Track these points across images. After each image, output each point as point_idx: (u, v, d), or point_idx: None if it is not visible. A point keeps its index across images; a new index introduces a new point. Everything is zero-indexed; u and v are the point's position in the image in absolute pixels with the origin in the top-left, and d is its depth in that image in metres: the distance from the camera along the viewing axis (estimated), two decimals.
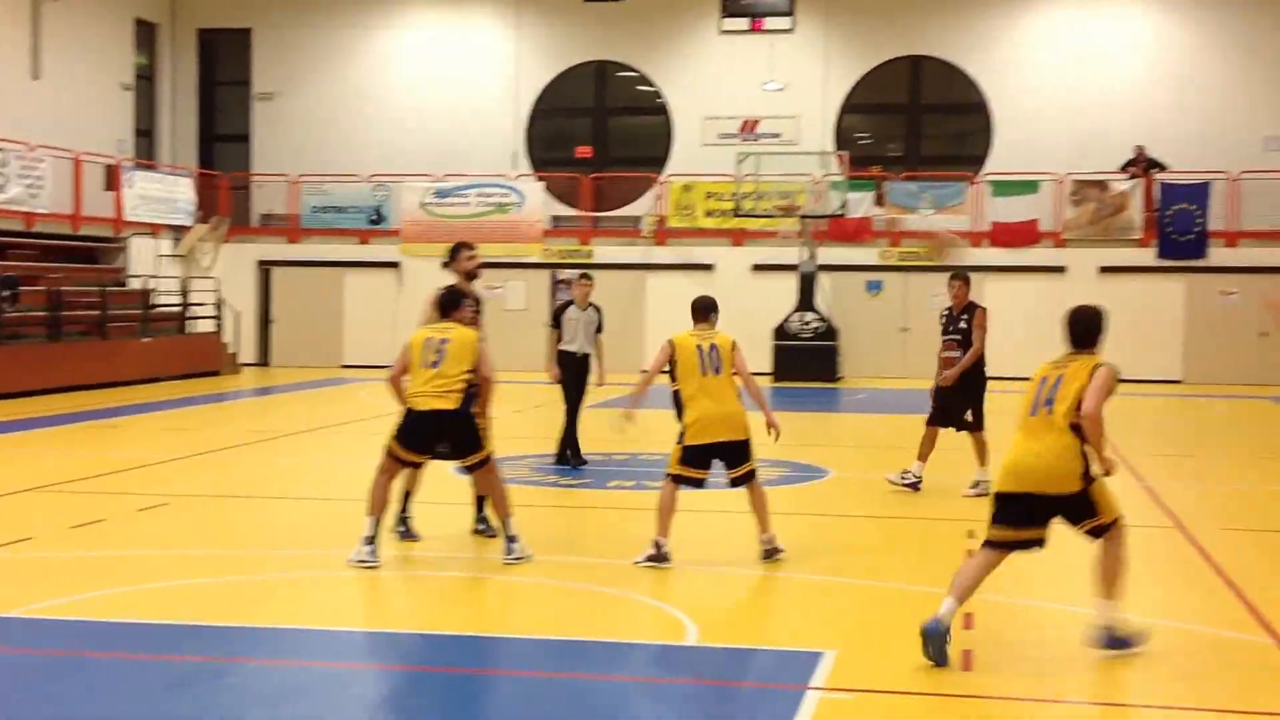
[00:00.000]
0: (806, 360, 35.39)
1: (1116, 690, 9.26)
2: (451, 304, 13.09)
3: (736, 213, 37.61)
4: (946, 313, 17.40)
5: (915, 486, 17.11)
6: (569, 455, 19.10)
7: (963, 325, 17.12)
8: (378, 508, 12.34)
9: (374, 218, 40.33)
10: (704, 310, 13.51)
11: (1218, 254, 36.68)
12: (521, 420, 27.11)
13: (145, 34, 42.43)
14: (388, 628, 10.99)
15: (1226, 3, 39.69)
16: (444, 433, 12.55)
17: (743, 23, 41.71)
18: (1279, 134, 38.96)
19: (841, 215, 37.03)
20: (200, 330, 37.57)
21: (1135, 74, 39.86)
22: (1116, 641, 9.63)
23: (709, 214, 38.96)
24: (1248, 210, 36.99)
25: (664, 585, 11.89)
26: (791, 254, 36.48)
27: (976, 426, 17.22)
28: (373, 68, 43.15)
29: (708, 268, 38.22)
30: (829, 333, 35.98)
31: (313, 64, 43.26)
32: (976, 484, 16.91)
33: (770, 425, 13.16)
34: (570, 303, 19.30)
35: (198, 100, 44.15)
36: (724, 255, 38.28)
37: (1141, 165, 37.59)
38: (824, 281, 36.60)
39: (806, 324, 35.68)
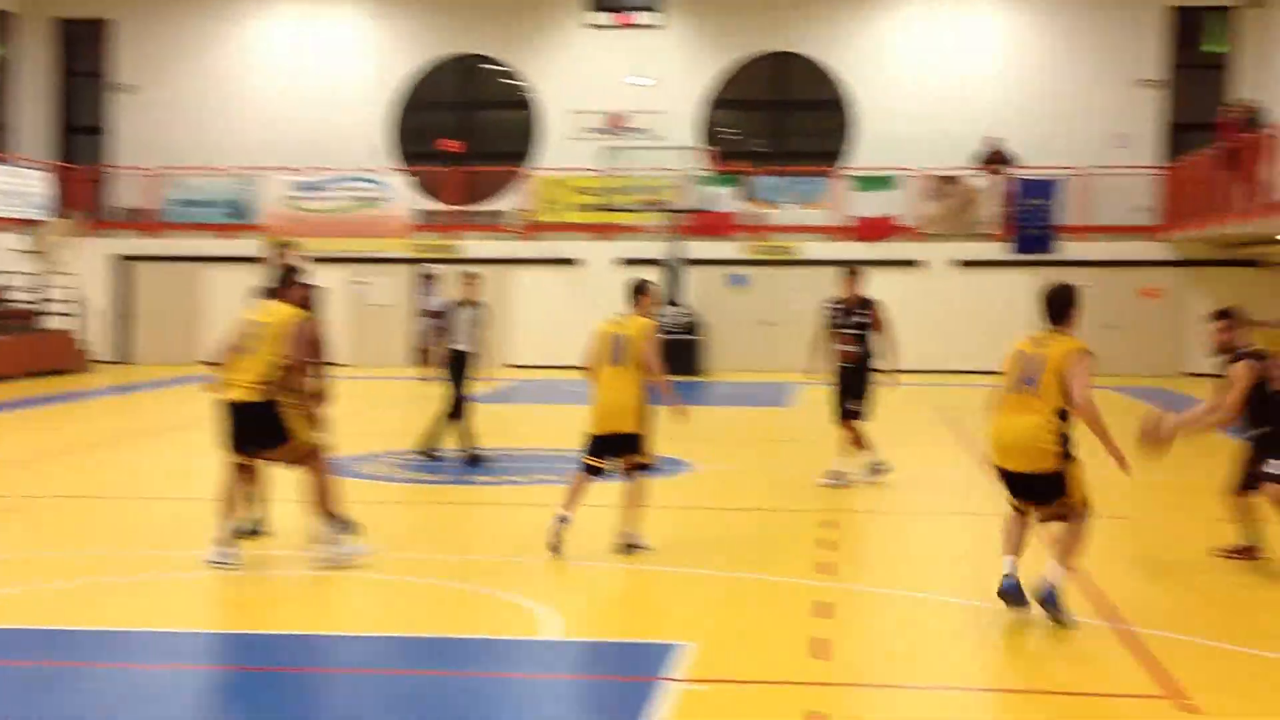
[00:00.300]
0: (671, 354, 35.04)
1: (965, 676, 9.41)
2: (282, 281, 12.62)
3: (603, 207, 37.54)
4: (837, 306, 17.41)
5: (880, 471, 17.38)
6: (464, 452, 18.83)
7: (859, 319, 17.21)
8: (225, 508, 12.10)
9: (236, 212, 39.82)
10: (633, 292, 13.51)
11: (1068, 248, 37.24)
12: (386, 415, 26.96)
13: (1, 24, 41.66)
14: (243, 628, 10.82)
15: (1078, 3, 40.28)
16: (244, 425, 11.99)
17: (609, 17, 41.65)
18: (1126, 131, 39.62)
19: (706, 210, 37.06)
20: (52, 327, 36.78)
21: (990, 72, 40.37)
22: (1053, 602, 10.11)
23: (575, 208, 38.85)
24: (1096, 205, 37.55)
25: (527, 581, 11.87)
26: (657, 248, 36.48)
27: (859, 415, 17.31)
28: (235, 59, 42.60)
29: (574, 262, 38.17)
30: (693, 326, 36.01)
31: (174, 55, 42.57)
32: (839, 474, 17.16)
33: (677, 413, 13.36)
34: (459, 301, 19.16)
35: (55, 91, 43.43)
36: (590, 249, 38.23)
37: (994, 159, 38.00)
38: (689, 275, 36.62)
39: (672, 317, 35.69)
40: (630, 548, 12.78)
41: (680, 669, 9.16)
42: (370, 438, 22.30)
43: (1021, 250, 37.20)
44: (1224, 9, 39.79)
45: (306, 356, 12.15)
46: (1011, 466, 10.34)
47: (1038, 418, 10.18)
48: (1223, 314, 12.59)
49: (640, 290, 13.43)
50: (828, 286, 36.12)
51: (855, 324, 17.20)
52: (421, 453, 19.05)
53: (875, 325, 17.22)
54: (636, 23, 41.49)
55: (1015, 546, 10.47)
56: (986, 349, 37.64)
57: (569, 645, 10.09)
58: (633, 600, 11.71)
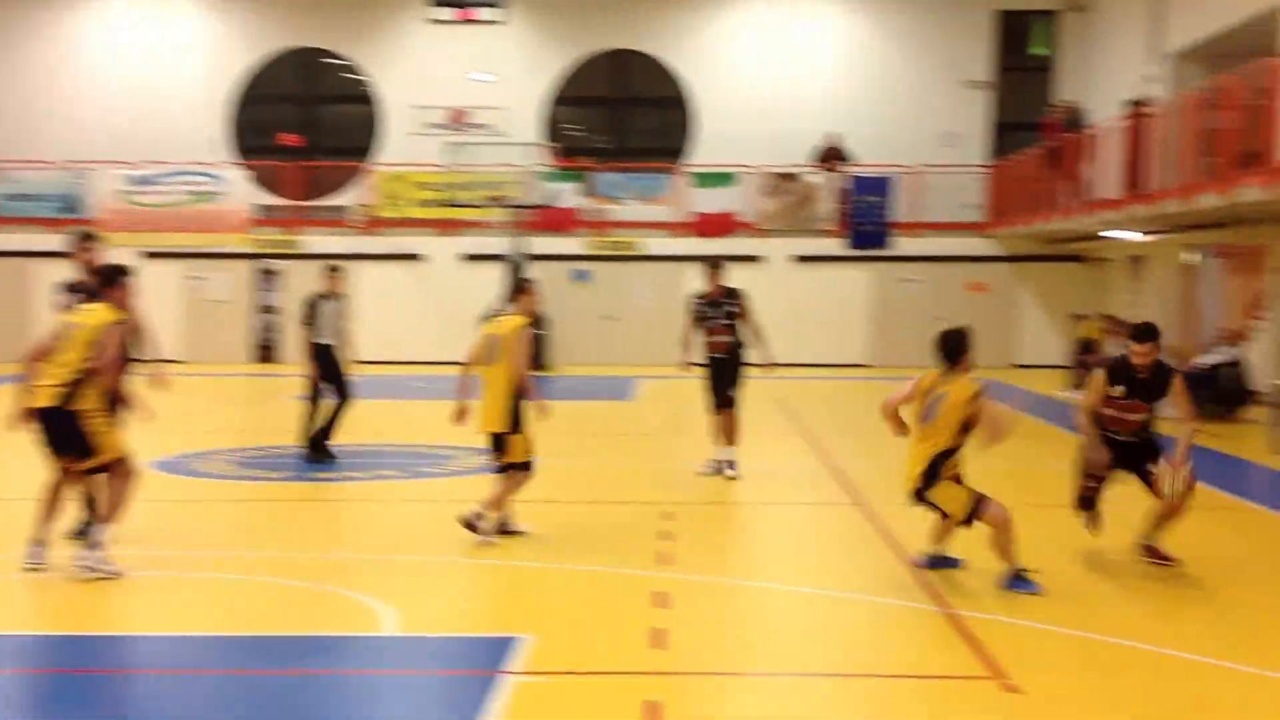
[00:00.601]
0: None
1: (799, 661, 9.52)
2: (106, 280, 11.96)
3: (445, 203, 37.34)
4: (704, 300, 17.51)
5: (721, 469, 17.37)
6: (319, 447, 18.58)
7: (728, 309, 17.33)
8: (44, 510, 11.71)
9: (67, 206, 39.03)
10: (513, 291, 13.58)
11: (900, 244, 37.75)
12: (225, 412, 26.66)
13: None
14: (73, 630, 10.52)
15: (911, 5, 40.80)
16: (50, 433, 11.47)
17: (451, 12, 41.45)
18: (956, 130, 40.21)
19: (548, 205, 36.97)
20: None
21: (827, 71, 40.84)
22: (1022, 581, 11.15)
23: (418, 204, 38.61)
24: (927, 202, 38.05)
25: (366, 577, 11.79)
26: (500, 244, 36.33)
27: (734, 404, 17.44)
28: (66, 50, 41.69)
29: (418, 258, 37.90)
30: (537, 321, 35.85)
31: (2, 48, 41.76)
32: (720, 464, 17.33)
33: (539, 409, 13.41)
34: (322, 295, 18.80)
35: None
36: (432, 245, 38.00)
37: (831, 156, 38.34)
38: (532, 271, 36.49)
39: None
40: (472, 525, 12.88)
41: (518, 662, 9.16)
42: (208, 435, 22.05)
43: (857, 246, 37.66)
44: (1048, 12, 40.52)
45: (116, 361, 11.57)
46: (907, 488, 11.55)
47: (925, 448, 11.28)
48: (1148, 333, 12.07)
49: (519, 289, 13.46)
50: (670, 281, 36.78)
51: (725, 314, 17.34)
52: (315, 450, 18.60)
53: (742, 315, 17.35)
54: (478, 18, 41.32)
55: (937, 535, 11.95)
56: (825, 343, 38.43)
57: (408, 641, 10.00)
58: (472, 594, 11.63)
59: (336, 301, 18.79)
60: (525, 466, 13.21)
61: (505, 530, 13.13)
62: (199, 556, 12.54)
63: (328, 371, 18.59)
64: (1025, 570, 11.13)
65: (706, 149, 40.47)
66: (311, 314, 18.60)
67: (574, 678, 8.92)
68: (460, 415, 13.30)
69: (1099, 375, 12.22)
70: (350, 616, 10.56)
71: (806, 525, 15.12)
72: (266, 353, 38.30)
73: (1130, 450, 12.14)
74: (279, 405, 28.10)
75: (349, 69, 41.91)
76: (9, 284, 37.67)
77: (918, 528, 13.78)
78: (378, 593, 11.05)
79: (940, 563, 11.82)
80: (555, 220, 37.65)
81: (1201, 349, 24.88)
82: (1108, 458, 12.14)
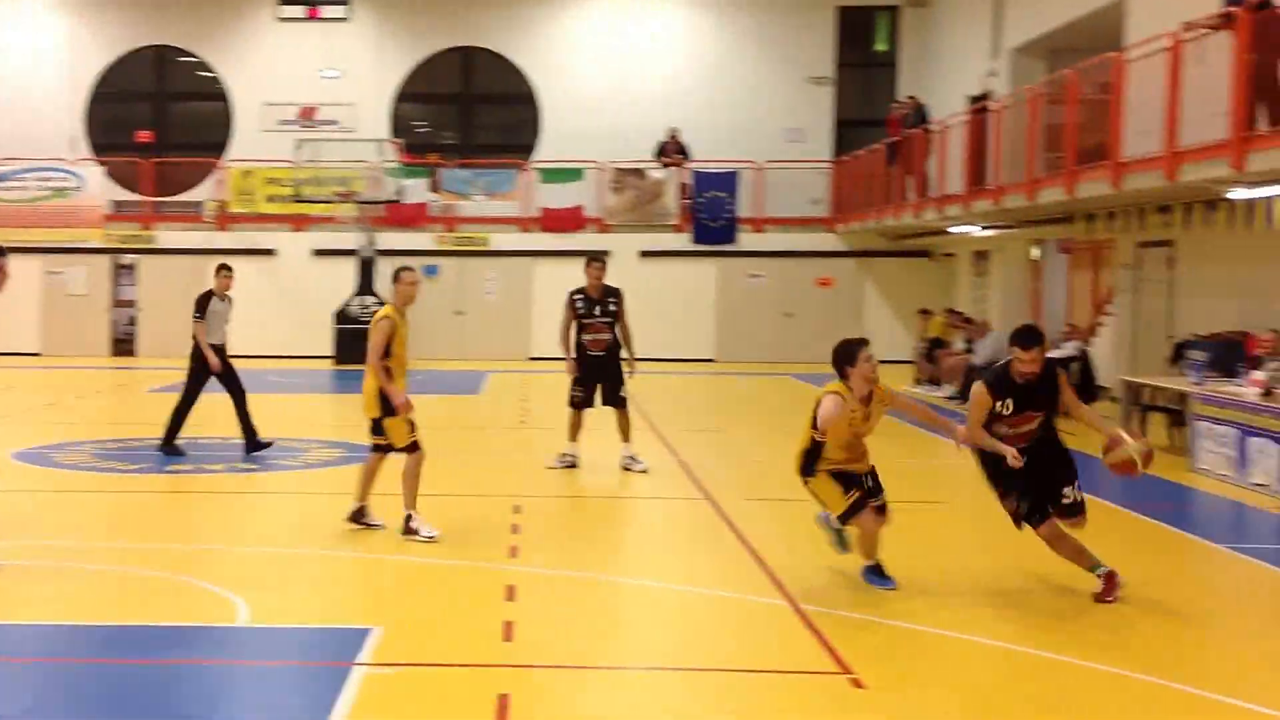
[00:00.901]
0: (366, 343, 35.21)
1: (649, 654, 9.54)
2: None
3: (296, 199, 37.30)
4: (583, 296, 17.28)
5: (573, 465, 17.33)
6: (248, 440, 18.45)
7: (611, 308, 17.18)
8: None
9: None
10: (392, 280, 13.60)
11: (745, 239, 38.01)
12: (83, 404, 26.47)
13: None
14: None
15: (754, 4, 41.12)
16: None
17: (299, 10, 41.32)
18: (798, 126, 40.60)
19: (397, 201, 37.02)
20: None
21: (672, 68, 40.98)
22: (879, 575, 11.13)
23: (270, 199, 38.50)
24: (771, 198, 38.41)
25: (220, 568, 11.73)
26: (351, 239, 36.37)
27: (624, 404, 17.41)
28: None
29: (270, 253, 37.79)
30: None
31: None
32: (635, 458, 17.33)
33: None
34: (211, 293, 18.56)
35: None
36: (285, 240, 37.88)
37: (673, 150, 38.60)
38: (382, 266, 36.52)
39: (366, 308, 35.57)
40: (409, 531, 12.89)
41: (369, 653, 9.13)
42: (66, 426, 21.91)
43: (702, 241, 37.87)
44: (890, 8, 40.97)
45: None
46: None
47: (797, 446, 11.25)
48: (1034, 337, 10.79)
49: (394, 278, 13.46)
50: (518, 276, 36.96)
51: (607, 313, 17.18)
52: (252, 445, 18.47)
53: (620, 315, 17.24)
54: (325, 16, 41.22)
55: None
56: (672, 338, 38.54)
57: (261, 632, 9.93)
58: (325, 586, 11.52)
59: (225, 301, 18.65)
60: (411, 449, 13.13)
61: (362, 521, 13.17)
62: (55, 546, 12.45)
63: (196, 368, 18.46)
64: (882, 566, 11.07)
65: (553, 145, 40.59)
66: (202, 312, 18.45)
67: (425, 669, 8.90)
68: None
69: (981, 391, 10.77)
70: (204, 607, 10.47)
71: (657, 519, 15.15)
72: (124, 346, 38.06)
73: (1033, 455, 10.87)
74: (138, 398, 27.93)
75: (201, 66, 41.67)
76: None
77: (768, 524, 14.04)
78: (232, 584, 10.98)
79: (874, 577, 11.13)
80: (405, 216, 37.65)
81: (1048, 344, 25.03)
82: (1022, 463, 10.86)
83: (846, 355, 10.88)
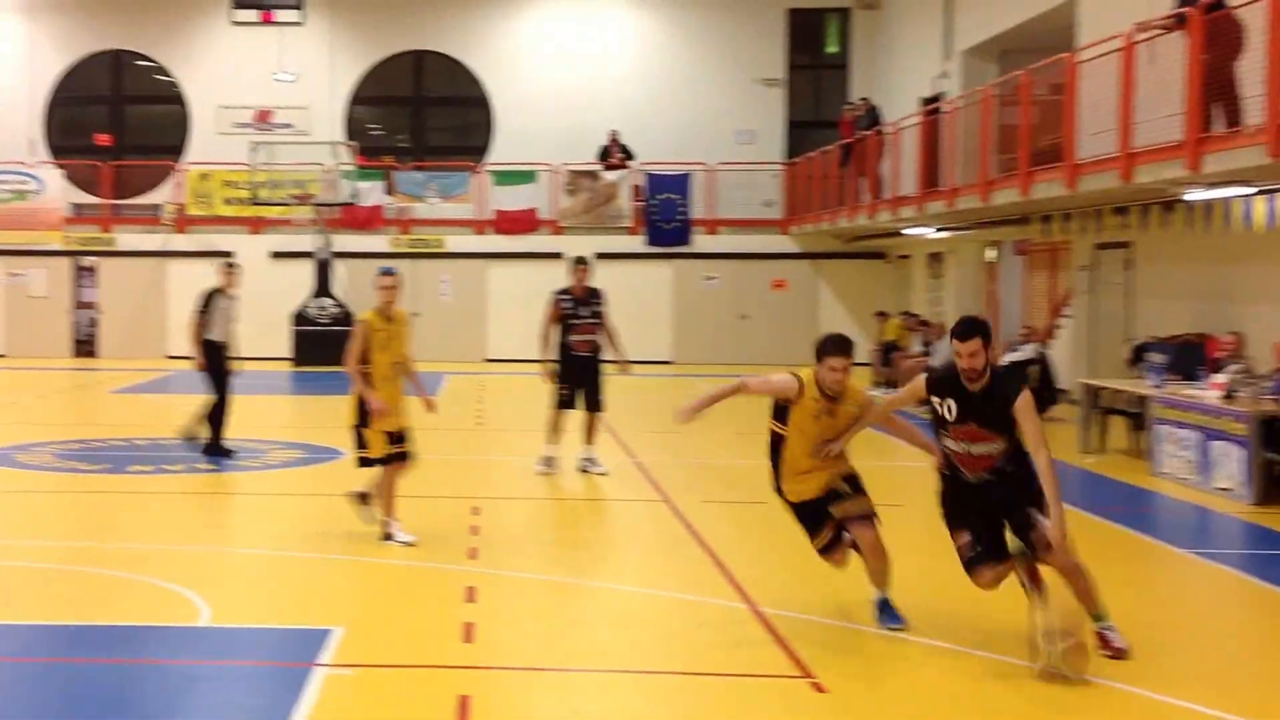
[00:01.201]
0: (324, 344, 34.82)
1: (608, 657, 9.37)
2: None
3: (253, 201, 36.99)
4: (569, 297, 16.92)
5: (550, 465, 16.98)
6: (218, 443, 18.11)
7: (595, 309, 16.89)
8: None
9: None
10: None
11: (699, 241, 37.84)
12: (44, 405, 26.19)
13: None
14: None
15: (704, 6, 41.00)
16: None
17: (253, 14, 41.01)
18: (749, 128, 40.46)
19: (353, 204, 36.74)
20: None
21: (622, 71, 40.82)
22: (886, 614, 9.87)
23: (227, 202, 38.19)
24: (724, 200, 38.24)
25: (180, 568, 11.55)
26: (307, 242, 36.05)
27: (601, 407, 17.18)
28: None
29: (228, 255, 37.34)
30: (345, 318, 35.62)
31: None
32: (585, 462, 17.08)
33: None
34: (218, 290, 18.14)
35: None
36: (242, 243, 37.48)
37: (616, 152, 38.36)
38: (339, 268, 36.25)
39: (323, 310, 35.32)
40: (387, 537, 12.58)
41: (329, 654, 9.02)
42: (28, 427, 21.70)
43: (656, 243, 37.69)
44: (841, 10, 40.85)
45: None
46: None
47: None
48: (971, 328, 9.09)
49: (377, 284, 13.02)
50: (472, 278, 36.72)
51: (591, 314, 16.88)
52: (214, 447, 18.10)
53: (602, 315, 16.98)
54: (278, 20, 40.91)
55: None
56: (628, 340, 37.87)
57: (221, 631, 9.82)
58: (285, 587, 11.37)
59: (229, 299, 18.30)
60: (389, 460, 12.73)
61: (394, 538, 12.64)
62: (16, 546, 12.35)
63: (213, 368, 18.09)
64: (889, 601, 9.86)
65: (506, 148, 40.38)
66: (206, 309, 18.05)
67: (385, 670, 8.80)
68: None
69: (920, 379, 9.52)
70: (164, 607, 10.35)
71: (616, 521, 15.08)
72: (85, 347, 37.71)
73: (987, 496, 9.23)
74: (99, 399, 27.71)
75: (158, 70, 41.27)
76: None
77: (727, 527, 13.91)
78: (192, 583, 10.86)
79: (881, 613, 9.91)
80: (360, 218, 37.40)
81: (1005, 347, 24.78)
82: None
83: (818, 349, 9.82)
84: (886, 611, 9.81)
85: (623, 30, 41.24)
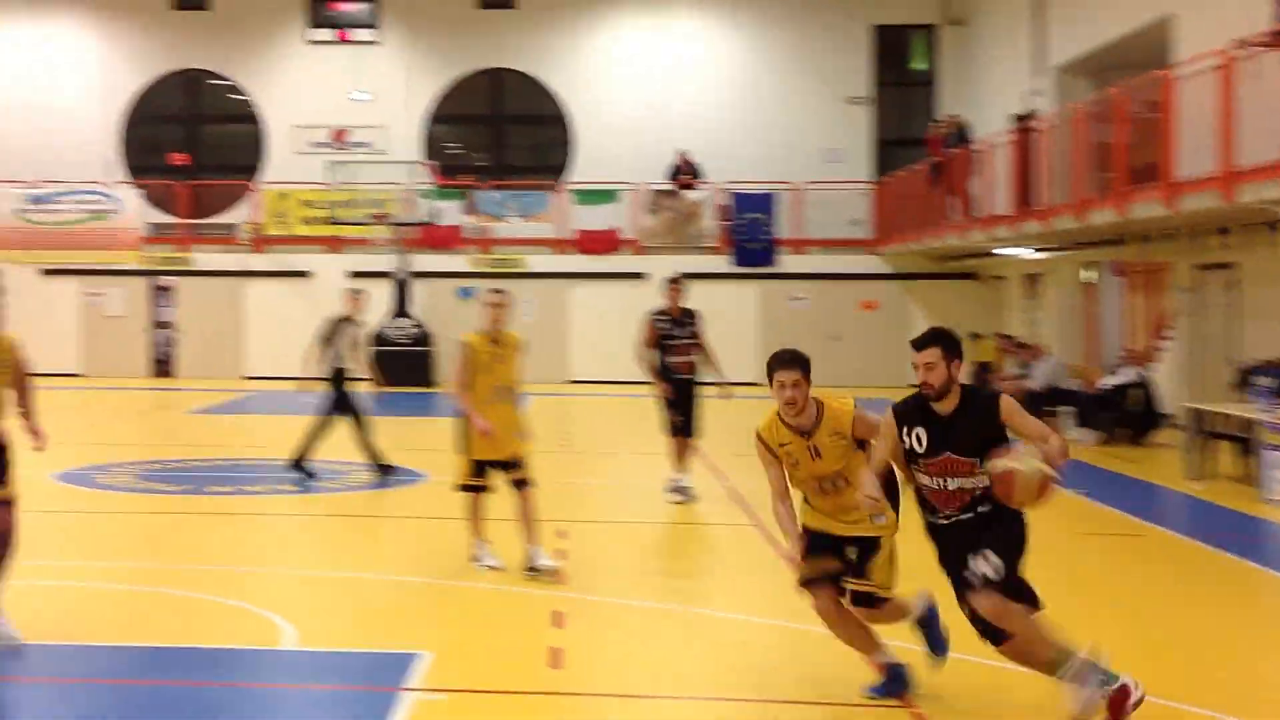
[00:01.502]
0: (403, 365, 34.99)
1: (695, 683, 9.27)
2: None
3: (330, 220, 37.21)
4: (666, 317, 16.58)
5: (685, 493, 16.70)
6: (379, 464, 18.12)
7: (691, 329, 16.59)
8: None
9: None
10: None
11: (785, 261, 37.68)
12: (124, 426, 26.36)
13: None
14: None
15: (788, 23, 40.93)
16: None
17: (329, 33, 41.29)
18: (835, 146, 40.32)
19: (431, 223, 36.90)
20: None
21: (704, 89, 40.82)
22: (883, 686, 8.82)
23: (304, 221, 38.44)
24: (810, 219, 38.09)
25: (264, 591, 11.62)
26: (385, 261, 36.21)
27: (694, 430, 16.90)
28: None
29: (306, 275, 37.67)
30: (424, 338, 35.82)
31: None
32: (684, 487, 16.78)
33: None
34: (345, 318, 18.22)
35: None
36: (321, 262, 37.76)
37: (686, 171, 38.26)
38: (417, 288, 36.39)
39: (402, 330, 35.48)
40: (474, 560, 12.47)
41: (419, 678, 9.00)
42: (107, 447, 21.84)
43: (741, 263, 37.56)
44: (927, 27, 40.68)
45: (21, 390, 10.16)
46: None
47: None
48: (927, 338, 8.32)
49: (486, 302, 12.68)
50: (553, 298, 36.75)
51: (689, 334, 16.56)
52: (295, 465, 17.97)
53: (699, 336, 16.67)
54: (354, 39, 41.18)
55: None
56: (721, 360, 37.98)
57: (307, 655, 9.84)
58: (370, 610, 11.35)
59: (354, 325, 18.34)
60: (464, 489, 12.52)
61: (484, 563, 12.46)
62: (96, 567, 12.40)
63: (337, 394, 18.10)
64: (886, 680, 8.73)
65: (586, 166, 40.47)
66: (331, 335, 18.10)
67: (475, 695, 8.77)
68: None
69: (888, 415, 8.32)
70: (249, 629, 10.39)
71: (707, 546, 14.98)
72: (163, 367, 38.00)
73: (958, 537, 8.07)
74: (177, 419, 27.89)
75: (233, 89, 41.64)
76: None
77: None
78: (275, 606, 10.89)
79: (927, 632, 8.91)
80: (439, 238, 37.56)
81: (1106, 370, 24.34)
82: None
83: (766, 369, 8.77)
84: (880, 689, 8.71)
85: (705, 47, 41.22)
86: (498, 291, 12.63)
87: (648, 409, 18.37)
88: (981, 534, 7.88)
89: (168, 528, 15.26)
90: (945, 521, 8.05)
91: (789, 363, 8.60)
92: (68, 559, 12.77)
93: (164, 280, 38.20)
